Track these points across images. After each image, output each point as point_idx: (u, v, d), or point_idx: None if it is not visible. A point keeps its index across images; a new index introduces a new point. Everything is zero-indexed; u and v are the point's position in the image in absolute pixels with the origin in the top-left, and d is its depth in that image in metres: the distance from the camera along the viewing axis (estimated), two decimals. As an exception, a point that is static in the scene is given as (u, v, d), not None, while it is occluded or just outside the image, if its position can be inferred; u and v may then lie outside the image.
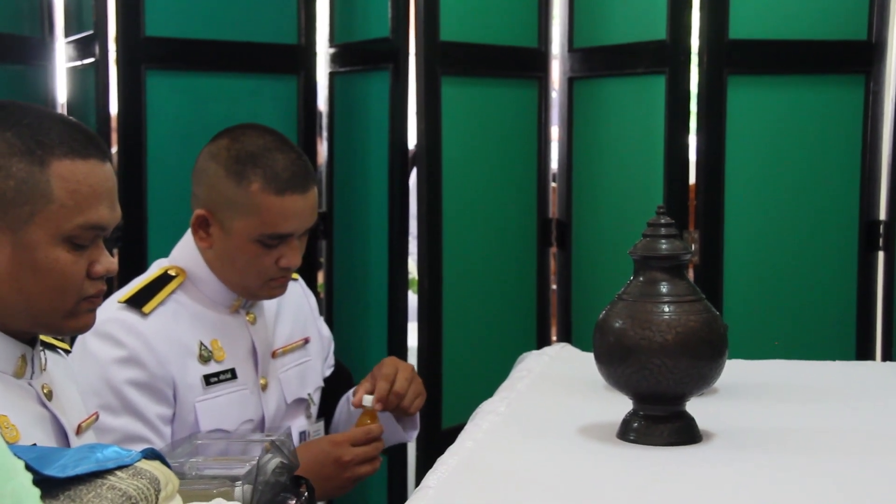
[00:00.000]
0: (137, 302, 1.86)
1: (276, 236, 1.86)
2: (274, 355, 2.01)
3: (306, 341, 2.09)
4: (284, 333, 2.04)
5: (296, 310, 2.09)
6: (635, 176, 2.91)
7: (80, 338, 1.85)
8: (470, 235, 2.95)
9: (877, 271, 2.83)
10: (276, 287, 1.92)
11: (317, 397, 2.12)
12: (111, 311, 1.86)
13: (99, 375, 1.81)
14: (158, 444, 1.81)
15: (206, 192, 1.89)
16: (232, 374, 1.92)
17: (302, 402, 2.06)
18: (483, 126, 2.96)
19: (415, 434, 2.15)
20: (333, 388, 2.18)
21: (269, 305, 2.02)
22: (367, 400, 1.95)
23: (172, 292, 1.90)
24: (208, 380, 1.89)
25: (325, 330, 2.22)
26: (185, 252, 1.95)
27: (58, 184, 1.30)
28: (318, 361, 2.13)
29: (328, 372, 2.19)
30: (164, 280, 1.91)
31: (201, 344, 1.89)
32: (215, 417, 1.88)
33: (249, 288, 1.92)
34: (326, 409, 2.16)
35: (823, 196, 2.82)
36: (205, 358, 1.89)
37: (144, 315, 1.85)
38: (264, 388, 1.97)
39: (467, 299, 2.92)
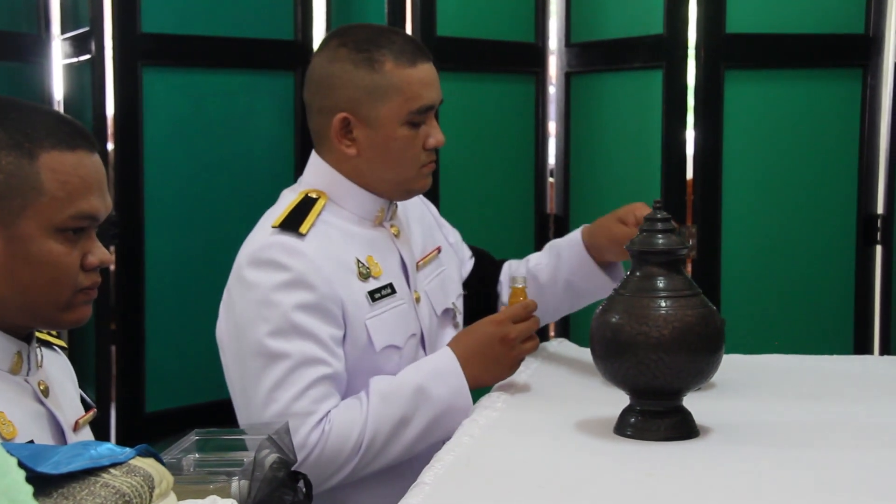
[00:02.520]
0: (291, 224, 1.83)
1: (423, 109, 1.87)
2: (417, 268, 2.01)
3: (438, 251, 2.09)
4: (419, 245, 2.04)
5: (420, 220, 2.09)
6: (633, 171, 2.91)
7: (235, 271, 1.83)
8: (467, 231, 2.93)
9: (875, 265, 2.83)
10: (426, 175, 1.93)
11: (460, 305, 2.10)
12: (265, 236, 1.83)
13: (264, 302, 1.78)
14: (336, 367, 1.79)
15: (338, 94, 1.87)
16: (392, 289, 1.90)
17: (448, 312, 2.05)
18: (480, 121, 2.96)
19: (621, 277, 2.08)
20: (484, 272, 2.20)
21: (402, 218, 2.02)
22: (518, 281, 1.94)
23: (320, 213, 1.87)
24: (373, 296, 1.86)
25: (451, 235, 2.21)
26: (319, 174, 1.93)
27: (48, 176, 1.30)
28: (452, 269, 2.11)
29: (469, 266, 2.19)
30: (308, 202, 1.88)
31: (358, 261, 1.87)
32: (386, 334, 1.87)
33: (406, 180, 1.91)
34: (486, 299, 2.16)
35: (821, 190, 2.82)
36: (364, 275, 1.87)
37: (302, 236, 1.82)
38: (418, 301, 1.97)
39: (465, 295, 2.91)
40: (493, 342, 1.83)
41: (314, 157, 1.95)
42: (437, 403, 1.80)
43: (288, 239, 1.81)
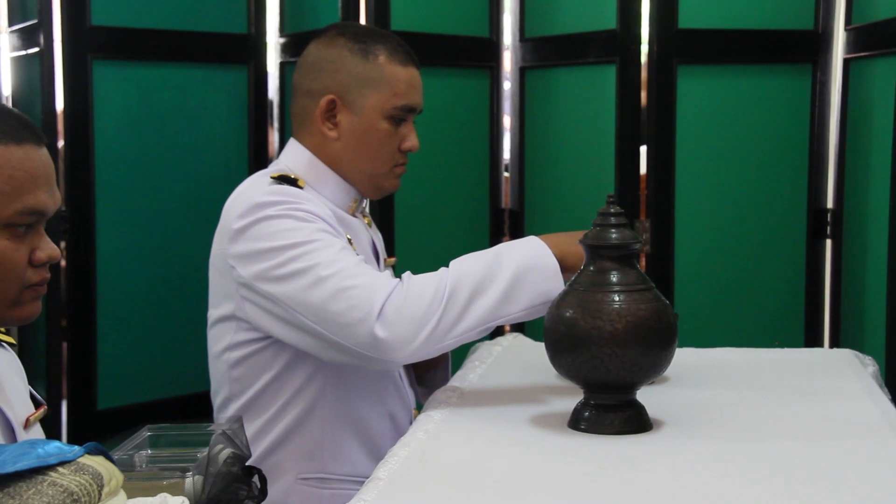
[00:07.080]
0: (288, 181, 1.86)
1: (407, 108, 1.93)
2: (385, 262, 2.03)
3: (394, 262, 2.15)
4: (382, 250, 2.07)
5: (378, 238, 2.10)
6: (587, 165, 2.92)
7: (234, 227, 1.79)
8: (423, 226, 2.94)
9: (825, 259, 2.87)
10: (398, 175, 1.98)
11: None
12: (265, 185, 1.84)
13: (290, 218, 1.76)
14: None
15: (329, 77, 1.91)
16: None
17: None
18: (435, 116, 2.94)
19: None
20: None
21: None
22: None
23: (303, 188, 1.88)
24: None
25: None
26: (297, 158, 1.94)
27: None
28: None
29: None
30: (291, 179, 1.88)
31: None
32: None
33: (378, 174, 1.94)
34: None
35: (772, 184, 2.85)
36: (350, 242, 1.88)
37: (301, 188, 1.85)
38: None
39: (420, 290, 2.91)
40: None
41: (292, 142, 1.97)
42: (519, 259, 1.70)
43: (289, 188, 1.84)
